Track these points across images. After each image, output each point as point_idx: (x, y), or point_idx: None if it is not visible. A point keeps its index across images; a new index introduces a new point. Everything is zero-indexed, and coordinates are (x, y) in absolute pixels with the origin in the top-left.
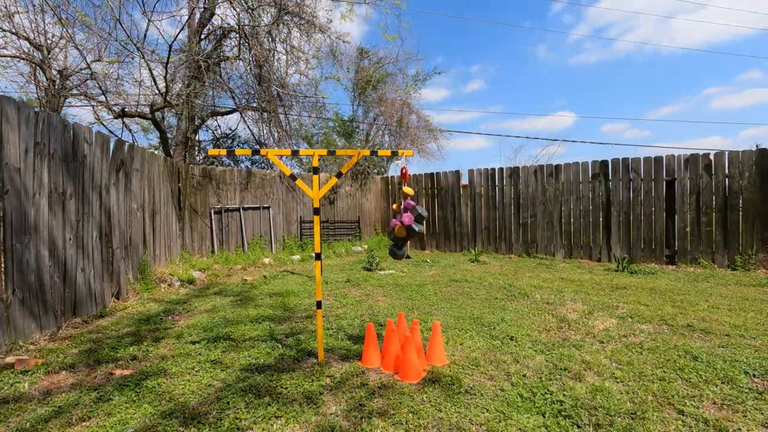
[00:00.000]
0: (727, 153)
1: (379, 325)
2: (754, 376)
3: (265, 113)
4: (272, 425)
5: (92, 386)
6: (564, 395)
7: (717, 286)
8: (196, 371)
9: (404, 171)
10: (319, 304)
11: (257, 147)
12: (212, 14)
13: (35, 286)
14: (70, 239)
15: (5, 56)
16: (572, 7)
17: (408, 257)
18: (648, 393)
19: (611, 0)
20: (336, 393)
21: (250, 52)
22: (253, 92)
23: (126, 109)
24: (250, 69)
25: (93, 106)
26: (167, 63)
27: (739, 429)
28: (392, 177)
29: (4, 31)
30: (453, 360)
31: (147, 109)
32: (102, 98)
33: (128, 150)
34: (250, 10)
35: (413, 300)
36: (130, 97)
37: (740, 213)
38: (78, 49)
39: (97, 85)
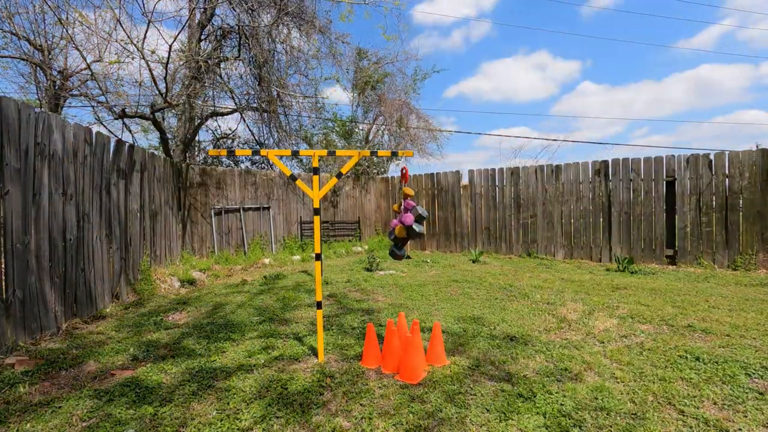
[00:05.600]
0: (727, 153)
1: (379, 326)
2: (754, 376)
3: (265, 114)
4: (272, 425)
5: (92, 387)
6: (564, 395)
7: (717, 286)
8: (197, 371)
9: (404, 171)
10: (319, 305)
11: (257, 147)
12: (212, 15)
13: (36, 287)
14: (71, 240)
15: (6, 57)
16: None
17: (408, 258)
18: (648, 393)
19: None
20: (336, 393)
21: (249, 53)
22: (253, 93)
23: (126, 110)
24: (250, 69)
25: (93, 106)
26: (167, 63)
27: (740, 429)
28: (392, 177)
29: (4, 31)
30: (453, 360)
31: (147, 110)
32: (102, 99)
33: (128, 151)
34: (250, 11)
35: (413, 300)
36: (131, 98)
37: (740, 213)
38: (78, 49)
39: (97, 86)
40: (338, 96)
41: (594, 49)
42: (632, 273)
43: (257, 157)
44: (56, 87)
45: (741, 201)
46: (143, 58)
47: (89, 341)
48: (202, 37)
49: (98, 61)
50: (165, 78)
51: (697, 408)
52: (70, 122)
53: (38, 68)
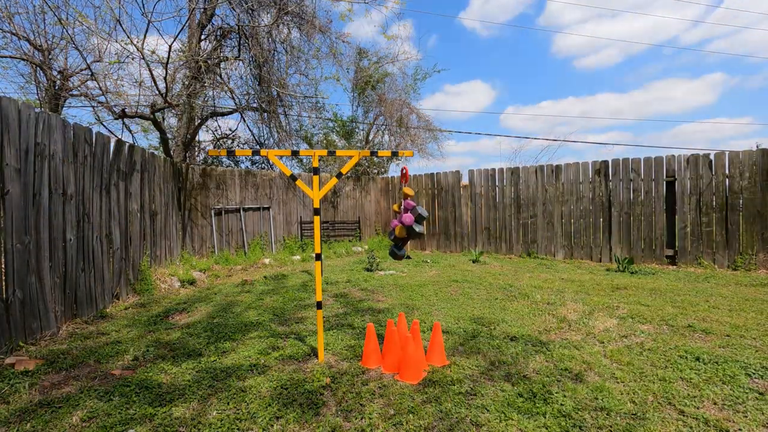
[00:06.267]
0: (727, 153)
1: (379, 326)
2: (754, 376)
3: (265, 114)
4: (272, 425)
5: (92, 387)
6: (564, 396)
7: (717, 286)
8: (197, 371)
9: (404, 171)
10: (319, 305)
11: (257, 147)
12: (212, 15)
13: (36, 287)
14: (71, 240)
15: (6, 57)
16: None
17: (408, 258)
18: (648, 393)
19: None
20: (336, 393)
21: (249, 53)
22: (253, 93)
23: (126, 110)
24: (250, 69)
25: (93, 106)
26: (167, 63)
27: (740, 429)
28: (392, 177)
29: (4, 32)
30: (453, 360)
31: (147, 110)
32: (102, 99)
33: (128, 151)
34: (250, 11)
35: (413, 300)
36: (131, 98)
37: (741, 213)
38: (78, 49)
39: (97, 86)
40: (338, 96)
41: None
42: (632, 273)
43: (257, 157)
44: (56, 87)
45: (741, 201)
46: (143, 58)
47: (89, 341)
48: (202, 37)
49: (98, 61)
50: (165, 78)
51: (697, 408)
52: (70, 122)
53: (38, 68)
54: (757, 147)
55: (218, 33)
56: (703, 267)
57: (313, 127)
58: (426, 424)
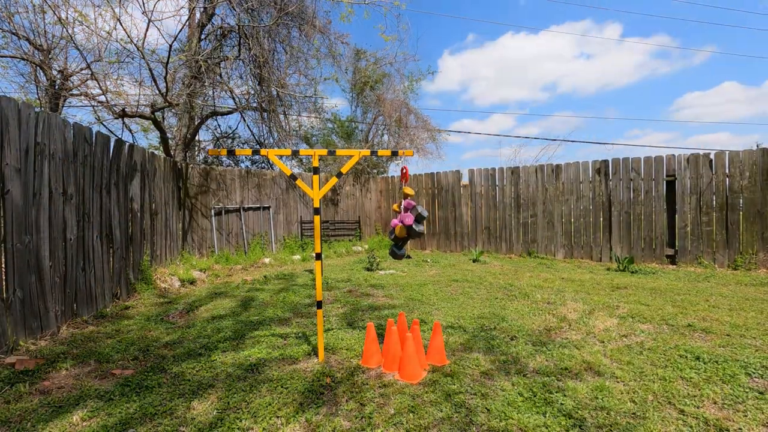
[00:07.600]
0: (727, 153)
1: (379, 325)
2: (754, 375)
3: (265, 113)
4: (273, 424)
5: (93, 386)
6: (565, 395)
7: (717, 285)
8: (197, 371)
9: (404, 171)
10: (319, 304)
11: (257, 147)
12: (212, 14)
13: (36, 286)
14: (71, 239)
15: (5, 56)
16: None
17: (408, 257)
18: (649, 393)
19: None
20: (336, 393)
21: (249, 53)
22: (253, 92)
23: (126, 110)
24: (250, 69)
25: (93, 106)
26: (167, 63)
27: (740, 429)
28: (392, 177)
29: (4, 31)
30: (453, 360)
31: (147, 110)
32: (102, 98)
33: (128, 150)
34: (250, 11)
35: (414, 300)
36: (131, 97)
37: (741, 213)
38: (78, 49)
39: (97, 86)
40: (337, 96)
41: None
42: (632, 272)
43: (257, 157)
44: (56, 87)
45: (741, 200)
46: (143, 58)
47: (89, 341)
48: (203, 36)
49: (98, 60)
50: (165, 77)
51: (698, 407)
52: (70, 122)
53: (38, 68)
54: (758, 146)
55: (218, 33)
56: (703, 266)
57: (312, 127)
58: (426, 424)
